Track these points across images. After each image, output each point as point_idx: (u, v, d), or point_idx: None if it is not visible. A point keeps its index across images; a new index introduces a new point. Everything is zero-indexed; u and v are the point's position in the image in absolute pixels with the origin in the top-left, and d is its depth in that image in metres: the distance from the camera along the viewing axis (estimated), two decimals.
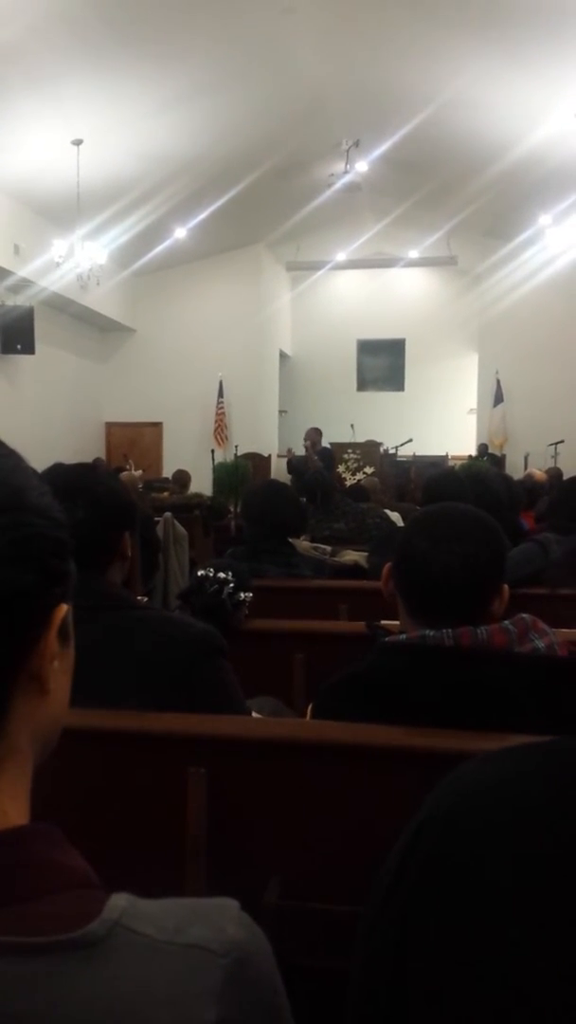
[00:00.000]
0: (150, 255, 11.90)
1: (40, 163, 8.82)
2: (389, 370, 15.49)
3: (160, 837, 1.34)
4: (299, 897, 1.28)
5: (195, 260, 12.95)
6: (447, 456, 12.49)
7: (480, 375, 13.56)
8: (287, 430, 14.48)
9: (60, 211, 9.49)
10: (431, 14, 7.00)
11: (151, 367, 13.31)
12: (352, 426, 12.84)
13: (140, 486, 7.89)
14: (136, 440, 13.40)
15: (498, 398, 13.14)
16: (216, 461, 12.00)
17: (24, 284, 10.03)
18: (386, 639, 1.43)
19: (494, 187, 9.89)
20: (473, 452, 12.64)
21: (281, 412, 14.94)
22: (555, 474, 9.22)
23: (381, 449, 12.29)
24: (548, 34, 6.93)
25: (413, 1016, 0.56)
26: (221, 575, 2.14)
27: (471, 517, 1.46)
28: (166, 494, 8.08)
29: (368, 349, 15.50)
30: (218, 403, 13.28)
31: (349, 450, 12.02)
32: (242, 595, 2.16)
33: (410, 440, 12.32)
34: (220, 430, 13.24)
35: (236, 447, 12.48)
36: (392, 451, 12.44)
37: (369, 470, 11.45)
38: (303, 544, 3.23)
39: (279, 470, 12.27)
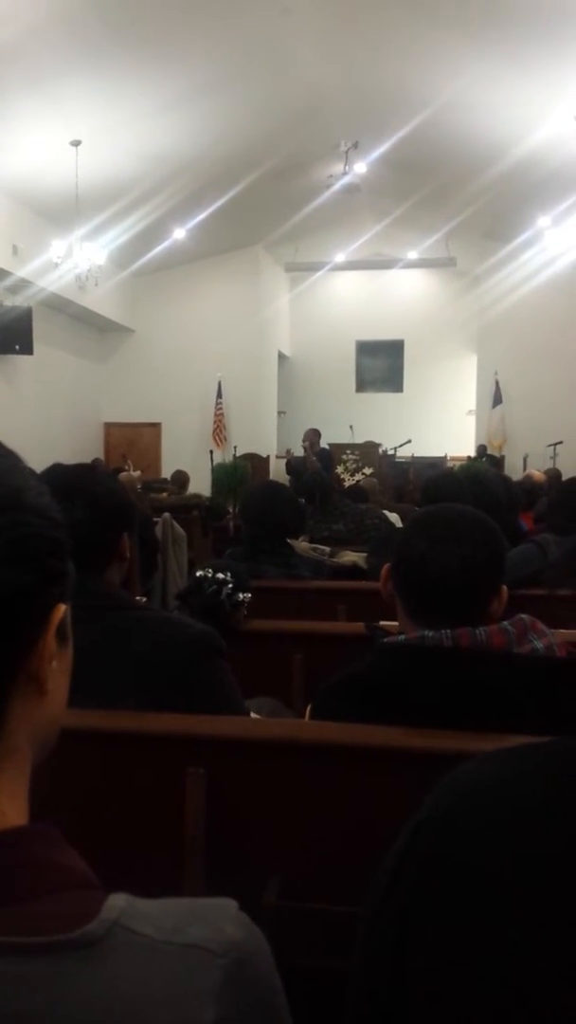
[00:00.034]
0: (149, 256, 11.91)
1: (39, 163, 8.82)
2: (388, 371, 15.49)
3: (159, 837, 1.34)
4: (298, 897, 1.28)
5: (194, 261, 12.96)
6: (446, 457, 12.50)
7: (479, 376, 13.57)
8: (286, 431, 14.49)
9: (59, 211, 9.49)
10: (430, 15, 7.00)
11: (150, 368, 13.31)
12: (351, 427, 12.85)
13: (139, 487, 7.89)
14: (135, 440, 13.40)
15: (497, 399, 13.15)
16: (215, 462, 11.99)
17: (23, 284, 10.03)
18: (385, 640, 1.43)
19: (493, 188, 9.90)
20: (472, 453, 12.64)
21: (280, 413, 14.95)
22: (554, 475, 9.22)
23: (380, 450, 12.30)
24: (548, 35, 6.93)
25: (412, 1016, 0.56)
26: (220, 576, 2.14)
27: (470, 518, 1.46)
28: (165, 495, 8.08)
29: (367, 350, 15.51)
30: (217, 404, 13.28)
31: (348, 451, 12.03)
32: (241, 596, 2.17)
33: (409, 441, 12.33)
34: (219, 431, 13.24)
35: (235, 448, 12.49)
36: (391, 452, 12.45)
37: (368, 471, 11.45)
38: (302, 545, 3.23)
39: (278, 471, 12.27)
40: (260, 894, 1.27)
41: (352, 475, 11.41)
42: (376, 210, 11.94)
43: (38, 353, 10.37)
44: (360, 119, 9.27)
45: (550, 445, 11.88)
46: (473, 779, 0.60)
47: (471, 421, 13.88)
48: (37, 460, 0.80)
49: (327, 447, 11.52)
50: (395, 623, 1.51)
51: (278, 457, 13.03)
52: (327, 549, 3.41)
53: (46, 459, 1.57)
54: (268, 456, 13.01)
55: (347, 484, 9.99)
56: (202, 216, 10.85)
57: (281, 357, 15.07)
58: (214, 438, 13.12)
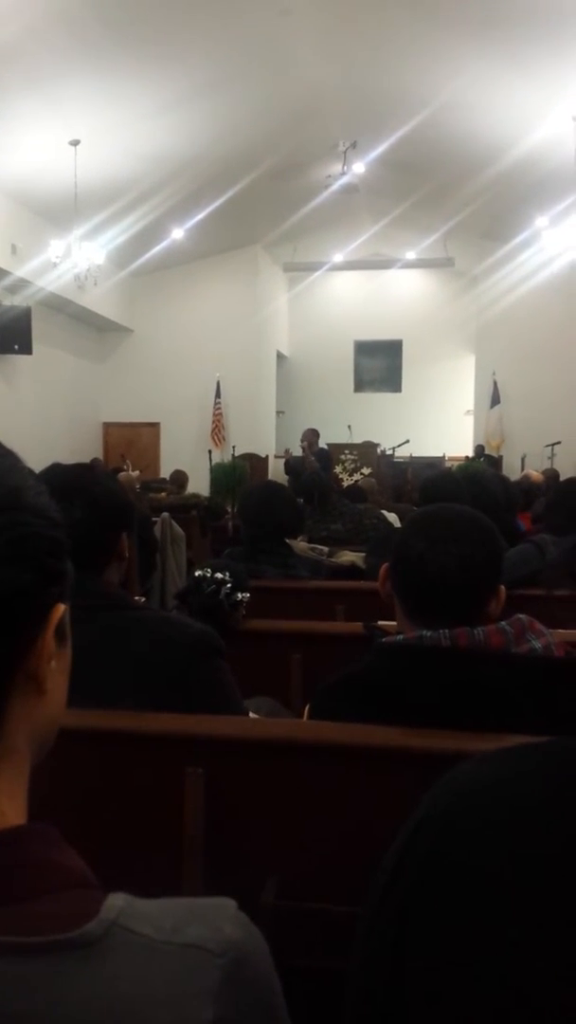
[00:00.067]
0: (148, 255, 11.90)
1: (38, 163, 8.82)
2: (386, 371, 15.50)
3: (157, 837, 1.34)
4: (296, 897, 1.28)
5: (192, 261, 12.96)
6: (444, 457, 12.51)
7: (477, 376, 13.58)
8: (284, 431, 14.49)
9: (58, 211, 9.49)
10: (430, 15, 7.00)
11: (149, 367, 13.31)
12: (349, 427, 12.85)
13: (137, 486, 7.89)
14: (134, 440, 13.40)
15: (495, 399, 13.15)
16: (213, 462, 11.99)
17: (21, 284, 10.03)
18: (383, 640, 1.43)
19: (491, 189, 9.91)
20: (470, 453, 12.65)
21: (278, 413, 14.95)
22: (552, 475, 9.23)
23: (378, 450, 12.30)
24: (546, 35, 6.93)
25: (412, 1016, 0.56)
26: (218, 575, 2.15)
27: (468, 518, 1.46)
28: (163, 494, 8.08)
29: (365, 350, 15.51)
30: (215, 403, 13.28)
31: (346, 451, 12.03)
32: (239, 595, 2.17)
33: (407, 441, 12.34)
34: (217, 431, 13.24)
35: (233, 448, 12.48)
36: (389, 452, 12.45)
37: (366, 471, 11.45)
38: (300, 545, 3.23)
39: (276, 471, 12.27)
40: (259, 894, 1.27)
41: (350, 475, 11.41)
42: (374, 210, 11.94)
43: (37, 353, 10.36)
44: (359, 119, 9.27)
45: (548, 445, 11.88)
46: (472, 779, 0.60)
47: (469, 421, 13.89)
48: (36, 460, 0.80)
49: (325, 447, 11.53)
50: (393, 623, 1.51)
51: (277, 457, 13.04)
52: (325, 549, 3.42)
53: (45, 459, 1.57)
54: (267, 456, 13.02)
55: (345, 484, 9.98)
56: (201, 216, 10.86)
57: (280, 357, 15.07)
58: (213, 438, 13.12)
